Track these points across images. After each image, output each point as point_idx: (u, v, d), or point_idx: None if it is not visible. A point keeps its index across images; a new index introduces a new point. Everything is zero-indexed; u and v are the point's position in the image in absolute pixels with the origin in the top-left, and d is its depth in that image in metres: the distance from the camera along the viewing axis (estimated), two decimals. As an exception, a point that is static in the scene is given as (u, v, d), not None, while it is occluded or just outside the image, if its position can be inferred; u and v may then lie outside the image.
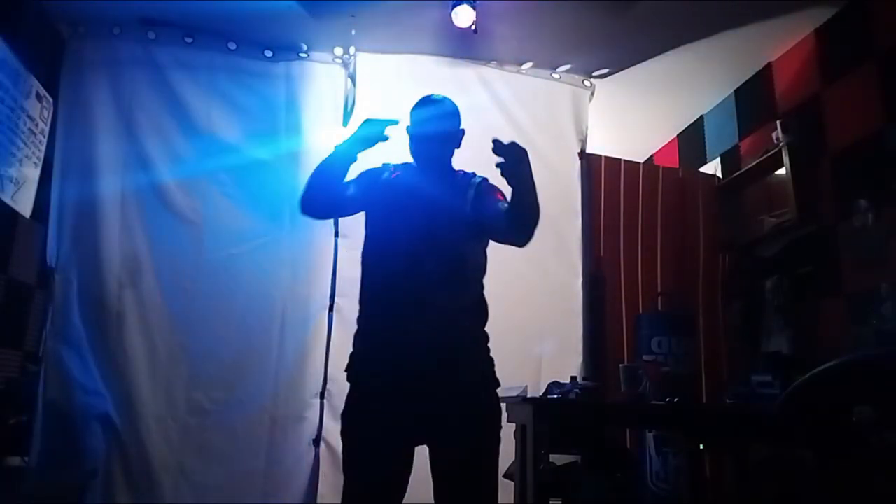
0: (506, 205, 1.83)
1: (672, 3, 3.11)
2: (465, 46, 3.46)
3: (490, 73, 3.66)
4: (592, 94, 3.81)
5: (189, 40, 3.38)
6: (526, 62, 3.71)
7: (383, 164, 2.10)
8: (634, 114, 4.26)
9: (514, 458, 2.31)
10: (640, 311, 3.53)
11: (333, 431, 3.14)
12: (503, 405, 2.35)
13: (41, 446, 2.85)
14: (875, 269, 2.78)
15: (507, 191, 1.82)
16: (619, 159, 3.82)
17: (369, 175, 2.06)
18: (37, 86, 3.15)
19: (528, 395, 2.26)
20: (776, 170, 3.47)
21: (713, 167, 4.08)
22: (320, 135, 3.39)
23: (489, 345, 1.96)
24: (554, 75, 3.76)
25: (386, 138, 1.92)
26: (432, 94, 2.08)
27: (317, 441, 3.14)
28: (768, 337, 3.37)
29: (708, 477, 3.18)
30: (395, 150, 2.06)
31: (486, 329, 1.97)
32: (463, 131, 2.11)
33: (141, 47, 3.33)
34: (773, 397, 2.26)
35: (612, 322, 3.55)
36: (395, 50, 3.52)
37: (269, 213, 3.30)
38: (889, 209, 2.74)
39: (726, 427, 2.40)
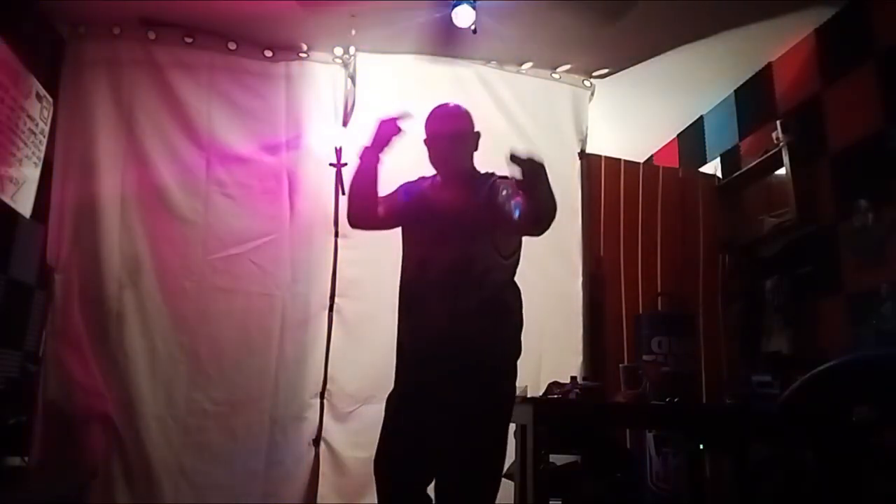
0: (520, 202, 1.90)
1: (672, 3, 3.11)
2: (465, 46, 3.46)
3: (490, 73, 3.66)
4: (592, 94, 3.81)
5: (189, 40, 3.38)
6: (526, 62, 3.70)
7: (419, 178, 2.20)
8: (634, 114, 4.26)
9: (514, 458, 2.31)
10: (640, 311, 3.53)
11: (333, 431, 3.15)
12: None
13: (41, 446, 2.85)
14: (875, 269, 2.78)
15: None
16: (619, 159, 3.82)
17: (406, 189, 2.18)
18: (37, 86, 3.15)
19: (528, 395, 2.26)
20: (776, 170, 3.47)
21: (713, 167, 4.08)
22: (320, 135, 3.39)
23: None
24: (554, 75, 3.76)
25: (400, 131, 2.01)
26: (444, 103, 2.16)
27: (317, 441, 3.14)
28: (768, 337, 3.37)
29: (708, 477, 3.18)
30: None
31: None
32: (478, 133, 2.15)
33: (141, 47, 3.33)
34: (773, 397, 2.26)
35: (612, 322, 3.54)
36: (395, 50, 3.52)
37: (269, 213, 3.30)
38: (889, 209, 2.74)
39: (726, 427, 2.40)
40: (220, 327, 3.16)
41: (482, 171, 2.14)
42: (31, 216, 3.12)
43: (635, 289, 3.61)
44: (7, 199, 2.95)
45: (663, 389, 2.37)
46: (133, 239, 3.16)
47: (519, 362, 2.71)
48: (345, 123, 3.45)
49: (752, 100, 3.81)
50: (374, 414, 2.94)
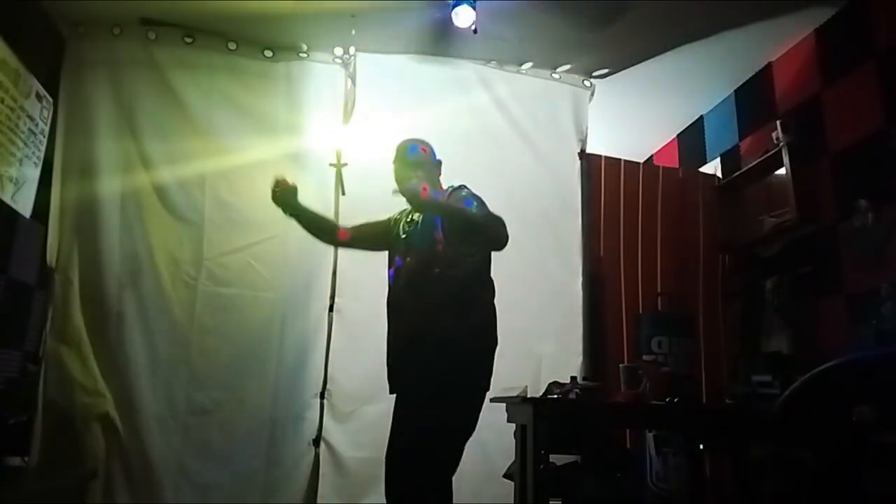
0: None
1: (672, 4, 3.11)
2: (465, 46, 3.46)
3: (490, 73, 3.66)
4: (592, 94, 3.81)
5: (189, 40, 3.38)
6: (526, 62, 3.70)
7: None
8: (634, 114, 4.26)
9: (513, 458, 2.31)
10: (640, 311, 3.53)
11: (333, 431, 3.15)
12: (503, 405, 2.36)
13: (41, 446, 2.85)
14: (875, 269, 2.78)
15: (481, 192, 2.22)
16: (619, 159, 3.82)
17: (393, 219, 2.45)
18: (37, 86, 3.15)
19: (528, 395, 2.26)
20: (776, 170, 3.47)
21: (713, 167, 4.08)
22: (320, 135, 3.39)
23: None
24: (554, 75, 3.76)
25: (293, 187, 2.32)
26: (406, 139, 2.39)
27: (317, 441, 3.14)
28: (768, 337, 3.36)
29: (708, 477, 3.17)
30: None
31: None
32: (439, 162, 2.39)
33: (141, 47, 3.33)
34: (773, 397, 2.26)
35: (612, 322, 3.54)
36: (395, 50, 3.52)
37: (269, 214, 3.29)
38: (889, 209, 2.74)
39: (726, 427, 2.40)
40: (220, 327, 3.15)
41: (444, 187, 2.33)
42: (31, 216, 3.12)
43: (635, 289, 3.61)
44: (7, 199, 2.95)
45: (663, 389, 2.37)
46: (133, 239, 3.16)
47: (519, 362, 2.73)
48: (345, 123, 3.46)
49: (752, 100, 3.81)
50: (374, 414, 2.97)
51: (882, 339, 2.62)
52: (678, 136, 4.56)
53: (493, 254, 2.24)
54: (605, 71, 3.75)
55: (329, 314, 3.26)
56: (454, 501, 2.04)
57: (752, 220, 3.67)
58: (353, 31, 3.31)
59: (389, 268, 2.34)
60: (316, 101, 3.46)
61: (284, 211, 2.35)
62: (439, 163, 2.41)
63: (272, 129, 3.40)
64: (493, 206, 2.19)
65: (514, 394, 2.24)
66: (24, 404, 2.90)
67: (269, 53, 3.48)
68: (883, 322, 2.65)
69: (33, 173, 3.15)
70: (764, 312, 3.40)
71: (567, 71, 3.76)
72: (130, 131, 3.25)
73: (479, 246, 2.22)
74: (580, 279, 3.54)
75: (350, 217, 2.75)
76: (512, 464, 2.33)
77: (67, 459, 2.85)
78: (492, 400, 2.33)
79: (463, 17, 3.05)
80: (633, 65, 3.69)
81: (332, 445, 3.12)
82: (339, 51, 3.49)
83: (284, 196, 2.31)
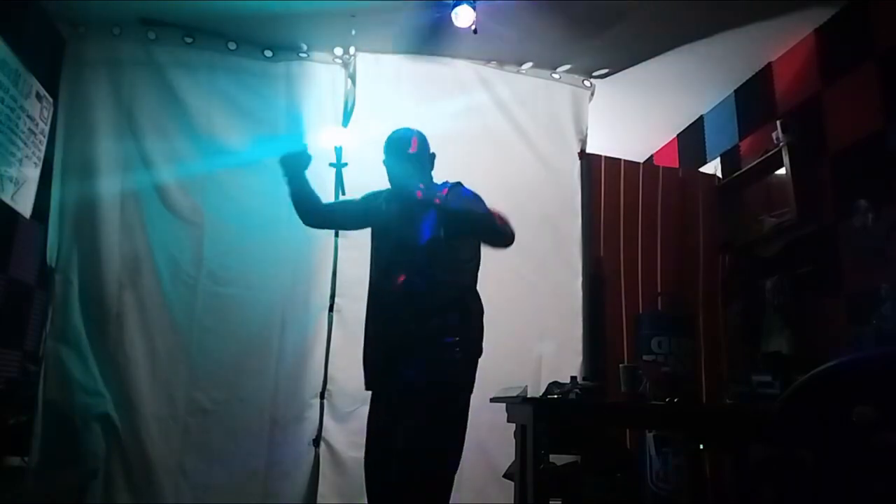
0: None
1: (672, 4, 3.11)
2: (465, 46, 3.46)
3: (490, 73, 3.66)
4: (592, 94, 3.81)
5: (189, 40, 3.38)
6: (526, 62, 3.70)
7: (382, 190, 2.38)
8: (634, 114, 4.26)
9: (513, 458, 2.31)
10: (640, 311, 3.53)
11: (333, 431, 3.15)
12: (503, 405, 2.36)
13: (41, 446, 2.86)
14: (875, 269, 2.78)
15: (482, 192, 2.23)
16: (619, 159, 3.82)
17: (368, 199, 2.43)
18: (37, 86, 3.15)
19: (528, 395, 2.26)
20: (776, 170, 3.47)
21: (713, 167, 4.08)
22: (320, 135, 3.39)
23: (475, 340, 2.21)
24: (554, 75, 3.76)
25: (310, 157, 2.36)
26: (398, 129, 2.35)
27: (317, 441, 3.14)
28: (768, 337, 3.36)
29: (708, 477, 3.17)
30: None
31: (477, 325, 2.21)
32: (432, 155, 2.37)
33: (141, 47, 3.33)
34: (773, 397, 2.26)
35: (612, 322, 3.54)
36: (395, 50, 3.52)
37: (269, 213, 3.30)
38: (889, 209, 2.74)
39: (726, 427, 2.40)
40: (220, 327, 3.16)
41: (438, 182, 2.31)
42: (31, 216, 3.12)
43: (635, 289, 3.61)
44: (7, 199, 2.95)
45: (663, 389, 2.37)
46: (133, 239, 3.16)
47: (519, 362, 2.75)
48: (345, 123, 3.46)
49: (752, 100, 3.80)
50: (375, 414, 2.96)
51: (882, 339, 2.62)
52: (678, 136, 4.56)
53: (493, 254, 2.24)
54: (605, 71, 3.75)
55: (329, 314, 3.26)
56: (455, 502, 2.05)
57: (752, 220, 3.67)
58: (353, 31, 3.31)
59: (378, 265, 2.32)
60: (316, 101, 3.46)
61: (285, 173, 2.34)
62: (433, 155, 2.40)
63: (272, 128, 3.39)
64: (493, 206, 2.19)
65: (514, 394, 2.24)
66: (24, 404, 2.89)
67: (269, 53, 3.48)
68: (883, 322, 2.65)
69: (33, 173, 3.15)
70: (764, 312, 3.40)
71: (567, 71, 3.76)
72: (130, 131, 3.25)
73: (487, 244, 2.20)
74: (580, 279, 3.54)
75: (352, 230, 2.78)
76: (512, 464, 2.33)
77: (67, 459, 2.85)
78: (492, 400, 2.34)
79: (463, 17, 3.05)
80: (633, 65, 3.69)
81: (332, 445, 3.12)
82: (338, 51, 3.50)
83: (297, 160, 2.32)
